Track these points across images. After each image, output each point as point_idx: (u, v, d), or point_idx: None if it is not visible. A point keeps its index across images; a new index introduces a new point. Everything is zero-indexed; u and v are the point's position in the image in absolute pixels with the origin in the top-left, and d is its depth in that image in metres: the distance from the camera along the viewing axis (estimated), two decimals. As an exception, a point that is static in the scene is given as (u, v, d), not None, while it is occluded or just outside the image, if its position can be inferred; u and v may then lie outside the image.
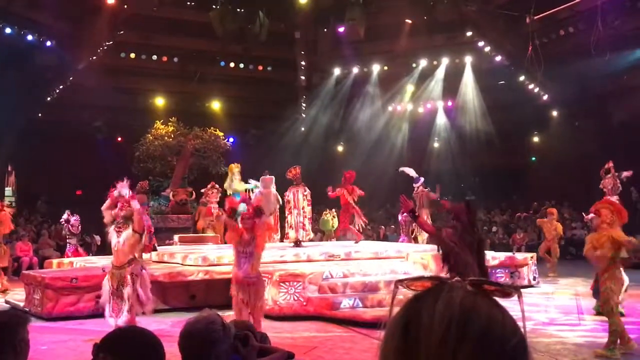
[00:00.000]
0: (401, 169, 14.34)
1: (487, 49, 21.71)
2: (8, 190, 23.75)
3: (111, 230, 7.02)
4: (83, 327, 8.26)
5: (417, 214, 6.32)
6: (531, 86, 21.09)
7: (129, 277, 6.94)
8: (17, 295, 10.49)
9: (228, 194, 12.57)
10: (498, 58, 21.74)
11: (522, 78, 20.97)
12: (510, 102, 21.94)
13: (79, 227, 13.18)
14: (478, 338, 0.75)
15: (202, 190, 16.07)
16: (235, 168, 14.07)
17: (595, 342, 6.97)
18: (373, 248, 12.61)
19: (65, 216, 13.06)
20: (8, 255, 12.63)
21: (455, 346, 0.75)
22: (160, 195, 18.42)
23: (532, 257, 12.33)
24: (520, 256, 12.58)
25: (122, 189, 6.98)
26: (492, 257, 12.09)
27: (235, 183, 13.13)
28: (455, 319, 0.76)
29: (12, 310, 3.17)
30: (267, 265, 10.09)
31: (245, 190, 12.20)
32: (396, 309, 0.83)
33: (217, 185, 15.50)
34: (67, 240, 13.42)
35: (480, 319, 0.77)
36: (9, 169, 23.69)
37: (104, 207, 7.05)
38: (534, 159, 24.55)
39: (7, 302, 10.29)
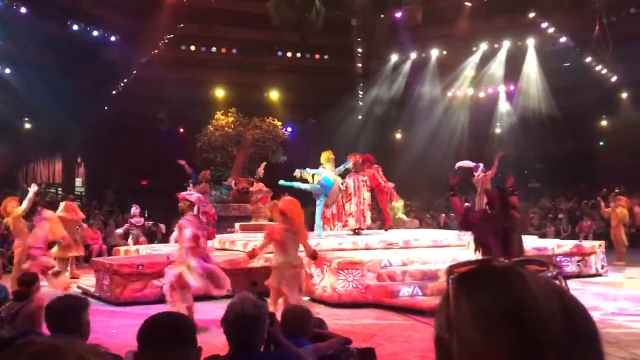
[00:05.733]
0: (457, 165, 13.98)
1: (551, 30, 20.90)
2: (78, 181, 24.87)
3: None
4: (149, 312, 8.47)
5: (454, 193, 6.64)
6: (598, 68, 20.19)
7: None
8: (88, 281, 10.98)
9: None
10: (563, 39, 20.90)
11: (588, 59, 20.11)
12: (576, 85, 21.08)
13: (141, 218, 13.87)
14: (577, 315, 0.78)
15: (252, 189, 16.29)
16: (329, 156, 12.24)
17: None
18: (433, 236, 12.45)
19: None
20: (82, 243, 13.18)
21: (569, 328, 0.76)
22: (222, 184, 18.82)
23: (600, 245, 11.88)
24: (587, 244, 12.15)
25: None
26: (558, 245, 11.76)
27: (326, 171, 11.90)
28: (557, 299, 0.77)
29: (74, 295, 3.34)
30: (326, 252, 10.15)
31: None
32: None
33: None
34: (130, 231, 14.15)
35: (571, 297, 0.80)
36: (79, 160, 24.79)
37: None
38: (602, 143, 23.57)
39: (78, 287, 10.78)
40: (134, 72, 21.83)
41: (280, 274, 6.66)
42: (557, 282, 0.85)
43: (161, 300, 9.09)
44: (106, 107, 22.72)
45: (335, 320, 7.26)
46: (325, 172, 11.91)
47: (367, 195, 12.80)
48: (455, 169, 13.61)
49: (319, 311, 7.51)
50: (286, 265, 6.65)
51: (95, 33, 19.37)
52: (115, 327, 7.52)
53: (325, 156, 12.07)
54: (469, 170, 14.00)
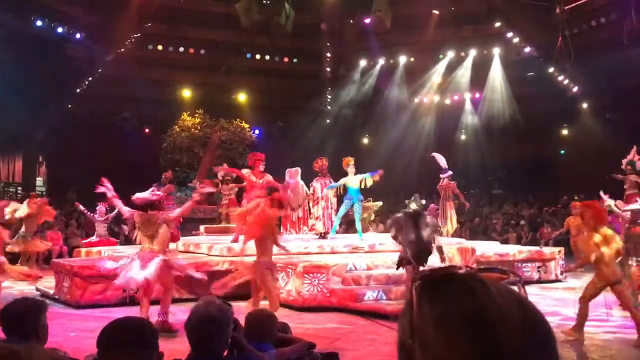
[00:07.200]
0: (434, 154, 14.32)
1: (516, 40, 21.37)
2: (39, 180, 24.26)
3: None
4: (110, 315, 8.35)
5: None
6: (560, 78, 20.71)
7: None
8: (47, 283, 10.71)
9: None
10: (527, 49, 21.38)
11: (551, 70, 20.59)
12: (539, 94, 21.57)
13: (105, 215, 13.66)
14: (535, 321, 0.81)
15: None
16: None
17: (625, 338, 6.84)
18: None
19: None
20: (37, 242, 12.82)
21: (528, 333, 0.78)
22: (187, 186, 18.62)
23: (559, 252, 12.16)
24: (547, 250, 12.42)
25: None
26: (519, 251, 12.00)
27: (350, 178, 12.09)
28: (516, 305, 0.79)
29: (31, 299, 3.25)
30: (292, 256, 10.13)
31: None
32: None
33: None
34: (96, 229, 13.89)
35: (530, 303, 0.83)
36: (40, 159, 24.19)
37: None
38: (563, 152, 24.15)
39: (37, 289, 10.50)
40: (99, 70, 21.45)
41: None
42: (517, 289, 0.87)
43: (122, 303, 8.97)
44: (70, 105, 22.26)
45: (300, 324, 7.26)
46: (344, 181, 12.13)
47: (334, 199, 12.85)
48: (431, 155, 14.11)
49: (284, 315, 7.50)
50: None
51: (60, 30, 18.97)
52: (75, 330, 7.36)
53: (347, 162, 12.18)
54: (435, 174, 14.33)
